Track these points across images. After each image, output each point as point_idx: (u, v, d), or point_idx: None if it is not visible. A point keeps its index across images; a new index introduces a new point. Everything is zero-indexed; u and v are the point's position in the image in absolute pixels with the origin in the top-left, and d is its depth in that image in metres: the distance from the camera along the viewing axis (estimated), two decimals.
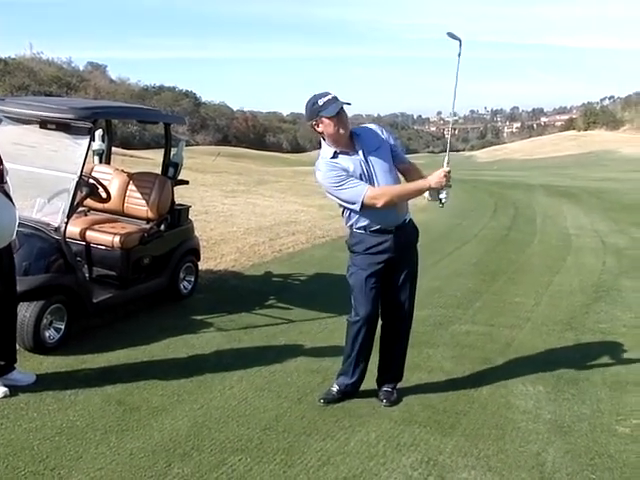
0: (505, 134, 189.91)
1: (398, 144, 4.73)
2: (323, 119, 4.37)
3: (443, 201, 4.47)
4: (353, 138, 4.50)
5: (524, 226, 14.90)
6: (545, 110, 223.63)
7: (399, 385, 4.95)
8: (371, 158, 4.48)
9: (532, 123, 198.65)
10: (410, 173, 4.68)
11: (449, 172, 4.43)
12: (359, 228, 4.57)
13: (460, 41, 4.62)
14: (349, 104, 4.39)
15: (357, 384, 4.86)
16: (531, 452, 4.19)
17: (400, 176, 4.69)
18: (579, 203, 20.55)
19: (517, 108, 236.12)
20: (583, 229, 14.62)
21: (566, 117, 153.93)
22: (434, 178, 4.41)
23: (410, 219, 4.71)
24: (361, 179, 4.44)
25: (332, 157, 4.48)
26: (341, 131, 4.40)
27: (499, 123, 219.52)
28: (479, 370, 5.60)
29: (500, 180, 32.51)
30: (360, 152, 4.47)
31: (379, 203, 4.37)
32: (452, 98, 4.71)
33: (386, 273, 4.61)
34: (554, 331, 6.76)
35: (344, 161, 4.46)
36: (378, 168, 4.48)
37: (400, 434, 4.37)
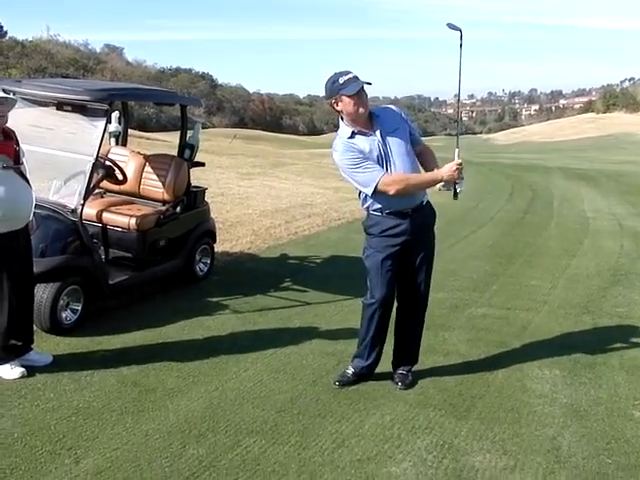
0: (523, 116, 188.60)
1: (414, 127, 4.68)
2: (343, 97, 4.32)
3: (458, 192, 4.54)
4: (372, 119, 4.46)
5: (541, 209, 14.80)
6: (564, 92, 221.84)
7: (414, 368, 4.94)
8: (389, 139, 4.44)
9: (551, 105, 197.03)
10: (425, 156, 4.66)
11: (461, 164, 4.41)
12: (375, 210, 4.55)
13: (461, 31, 4.62)
14: (370, 84, 4.35)
15: (372, 367, 4.86)
16: (547, 436, 4.17)
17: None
18: (597, 186, 20.36)
19: (535, 90, 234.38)
20: (600, 212, 14.49)
21: (585, 99, 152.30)
22: (446, 171, 4.39)
23: (428, 201, 4.68)
24: (378, 161, 4.41)
25: (349, 137, 4.44)
26: (360, 110, 4.35)
27: (517, 105, 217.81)
28: (495, 353, 5.58)
29: (517, 163, 32.27)
30: (378, 133, 4.43)
31: (392, 190, 4.35)
32: (458, 90, 4.76)
33: (402, 255, 4.58)
34: (571, 315, 6.71)
35: (361, 142, 4.42)
36: (395, 150, 4.44)
37: (415, 417, 4.36)
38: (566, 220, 13.26)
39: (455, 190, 4.51)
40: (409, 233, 4.52)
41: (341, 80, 4.31)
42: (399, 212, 4.50)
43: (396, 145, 4.45)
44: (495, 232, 11.57)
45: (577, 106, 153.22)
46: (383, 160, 4.42)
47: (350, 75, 4.32)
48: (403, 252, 4.58)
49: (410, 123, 4.64)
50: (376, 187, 4.36)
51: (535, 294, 7.45)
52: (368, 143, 4.42)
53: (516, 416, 4.42)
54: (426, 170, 4.61)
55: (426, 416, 4.38)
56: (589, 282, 8.07)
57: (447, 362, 5.35)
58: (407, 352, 4.91)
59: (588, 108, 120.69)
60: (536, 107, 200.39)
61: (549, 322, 6.45)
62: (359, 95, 4.31)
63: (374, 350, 4.80)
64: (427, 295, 4.83)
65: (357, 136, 4.43)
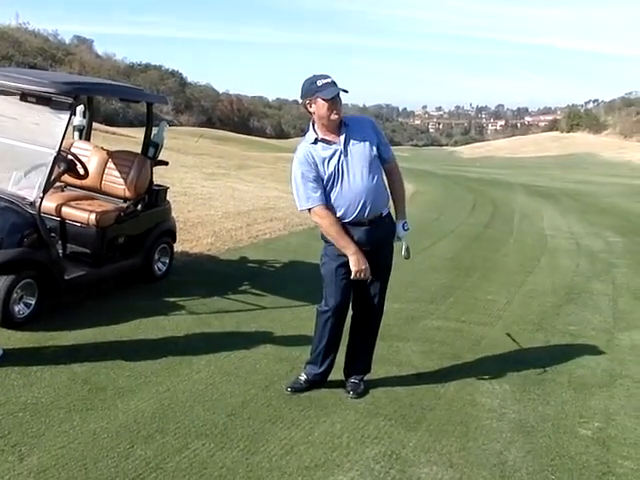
0: (489, 131, 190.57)
1: (386, 142, 4.65)
2: (318, 100, 4.32)
3: (403, 253, 4.73)
4: (341, 127, 4.45)
5: (501, 224, 14.99)
6: (530, 110, 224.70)
7: (366, 377, 4.97)
8: (352, 151, 4.43)
9: (516, 122, 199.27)
10: (392, 184, 4.70)
11: (362, 270, 4.46)
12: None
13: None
14: (346, 91, 4.35)
15: (325, 374, 4.87)
16: (493, 450, 4.22)
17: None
18: (557, 204, 20.70)
19: (502, 106, 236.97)
20: (559, 230, 14.73)
21: (550, 118, 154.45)
22: (353, 262, 4.45)
23: (388, 214, 4.69)
24: (333, 172, 4.41)
25: (312, 142, 4.45)
26: (333, 116, 4.36)
27: (483, 120, 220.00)
28: (447, 366, 5.63)
29: (481, 177, 32.68)
30: (342, 143, 4.42)
31: (317, 222, 4.59)
32: None
33: None
34: (524, 331, 6.81)
35: (322, 150, 4.43)
36: (355, 164, 4.43)
37: (365, 426, 4.39)
38: (525, 236, 13.45)
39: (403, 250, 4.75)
40: (364, 244, 4.52)
41: (319, 83, 4.32)
42: (355, 222, 4.51)
43: (357, 159, 4.44)
44: (455, 245, 11.69)
45: (542, 124, 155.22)
46: (339, 173, 4.42)
47: (329, 80, 4.33)
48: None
49: (382, 137, 4.61)
50: (308, 210, 4.50)
51: (490, 309, 7.55)
52: (329, 153, 4.43)
53: (464, 430, 4.47)
54: (393, 200, 4.71)
55: (376, 425, 4.41)
56: (544, 299, 8.20)
57: (400, 373, 5.38)
58: (360, 361, 4.92)
59: (553, 127, 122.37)
60: (502, 123, 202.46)
61: (503, 337, 6.53)
62: (334, 100, 4.32)
63: (327, 358, 4.82)
64: (382, 306, 4.84)
65: (320, 143, 4.44)
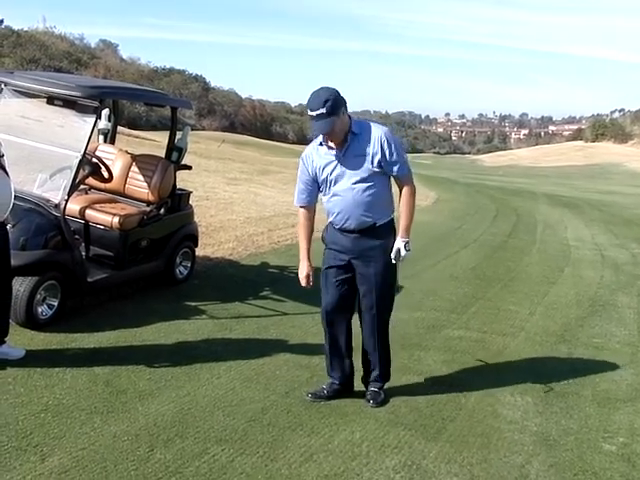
0: (512, 140, 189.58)
1: (396, 157, 4.41)
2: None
3: (393, 257, 4.55)
4: (348, 136, 4.40)
5: (524, 234, 14.87)
6: (554, 119, 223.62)
7: (387, 386, 4.93)
8: (348, 160, 4.41)
9: (540, 131, 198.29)
10: (401, 193, 4.58)
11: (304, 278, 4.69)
12: (330, 222, 4.67)
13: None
14: (331, 124, 4.27)
15: (342, 380, 4.84)
16: (515, 463, 4.17)
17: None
18: (581, 214, 20.50)
19: (526, 115, 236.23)
20: (583, 241, 14.58)
21: (575, 127, 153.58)
22: (299, 268, 4.71)
23: (386, 224, 4.57)
24: (326, 179, 4.50)
25: (319, 144, 4.51)
26: (330, 142, 4.43)
27: (507, 129, 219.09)
28: (469, 376, 5.59)
29: (504, 186, 32.47)
30: (342, 151, 4.41)
31: None
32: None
33: (353, 271, 4.62)
34: (547, 342, 6.74)
35: (322, 154, 4.48)
36: (349, 172, 4.42)
37: (385, 435, 4.36)
38: (548, 247, 13.33)
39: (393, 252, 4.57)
40: (350, 251, 4.55)
41: (309, 112, 4.31)
42: (344, 229, 4.55)
43: (351, 170, 4.42)
44: (477, 254, 11.61)
45: (566, 133, 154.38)
46: (333, 181, 4.49)
47: (315, 112, 4.24)
48: (350, 270, 4.61)
49: (391, 153, 4.38)
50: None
51: (513, 319, 7.48)
52: (327, 159, 4.47)
53: (485, 441, 4.42)
54: (399, 216, 4.60)
55: (396, 435, 4.38)
56: (567, 311, 8.11)
57: (420, 382, 5.35)
58: (372, 368, 4.86)
59: (577, 136, 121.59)
60: (526, 131, 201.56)
61: (525, 348, 6.47)
62: (326, 133, 4.35)
63: (335, 362, 4.81)
64: (382, 317, 4.72)
65: (324, 146, 4.47)
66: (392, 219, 4.61)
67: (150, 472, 3.63)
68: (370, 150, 4.38)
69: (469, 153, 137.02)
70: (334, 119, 4.26)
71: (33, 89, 5.93)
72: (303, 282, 4.71)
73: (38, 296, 5.42)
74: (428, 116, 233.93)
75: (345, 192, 4.46)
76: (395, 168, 4.44)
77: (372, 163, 4.38)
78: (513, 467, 4.12)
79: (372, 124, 4.51)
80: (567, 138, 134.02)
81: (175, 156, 7.18)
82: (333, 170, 4.46)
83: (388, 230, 4.58)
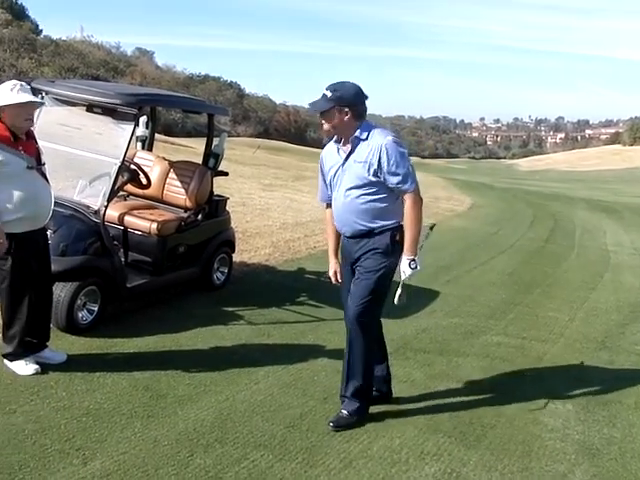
0: (548, 144, 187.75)
1: (394, 169, 4.20)
2: None
3: (396, 302, 4.40)
4: (353, 141, 4.31)
5: (562, 239, 14.69)
6: (591, 122, 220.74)
7: (423, 392, 4.87)
8: (349, 165, 4.34)
9: (576, 135, 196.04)
10: (404, 206, 4.33)
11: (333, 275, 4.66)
12: None
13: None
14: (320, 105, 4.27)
15: (377, 387, 4.75)
16: (557, 472, 4.11)
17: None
18: (620, 219, 20.20)
19: (562, 118, 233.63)
20: (622, 246, 14.37)
21: (612, 130, 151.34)
22: (330, 272, 4.68)
23: (383, 231, 4.34)
24: (331, 180, 4.48)
25: (336, 141, 4.46)
26: (324, 127, 4.36)
27: (543, 133, 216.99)
28: (508, 383, 5.53)
29: (540, 191, 32.12)
30: (347, 156, 4.34)
31: None
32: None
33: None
34: (588, 349, 6.65)
35: (334, 153, 4.45)
36: (347, 177, 4.34)
37: (424, 442, 4.32)
38: (587, 252, 13.16)
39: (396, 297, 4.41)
40: (347, 255, 4.53)
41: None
42: (343, 232, 4.53)
43: (349, 175, 4.34)
44: (514, 260, 11.49)
45: (603, 137, 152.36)
46: (334, 183, 4.46)
47: (325, 92, 4.25)
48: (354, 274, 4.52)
49: (390, 165, 4.19)
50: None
51: (552, 325, 7.39)
52: (334, 161, 4.45)
53: (527, 449, 4.37)
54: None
55: (435, 442, 4.34)
56: (608, 317, 7.99)
57: (459, 389, 5.30)
58: (347, 383, 4.58)
59: (615, 140, 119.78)
60: (562, 135, 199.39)
61: (565, 355, 6.39)
62: (321, 114, 4.31)
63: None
64: (358, 320, 4.39)
65: (338, 145, 4.42)
66: (395, 228, 4.35)
67: (190, 477, 3.65)
68: (368, 158, 4.22)
69: (504, 158, 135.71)
70: (333, 109, 4.21)
71: (74, 97, 6.02)
72: (332, 279, 4.67)
73: (79, 301, 5.49)
74: (463, 121, 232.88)
75: (339, 197, 4.42)
76: (394, 180, 4.22)
77: (368, 171, 4.23)
78: (555, 476, 4.06)
79: (378, 131, 4.31)
80: (604, 142, 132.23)
81: (212, 162, 7.22)
82: (335, 173, 4.42)
83: (388, 239, 4.34)
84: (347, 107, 4.22)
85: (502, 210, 19.14)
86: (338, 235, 4.62)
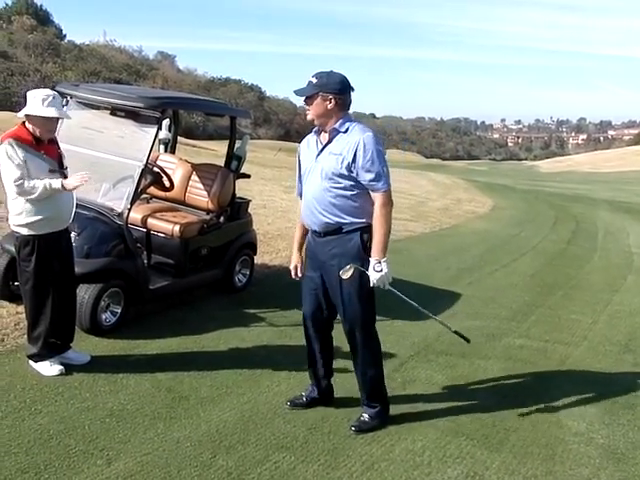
0: (570, 145, 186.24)
1: (369, 166, 4.10)
2: None
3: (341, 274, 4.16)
4: (332, 132, 4.22)
5: (584, 241, 14.57)
6: (613, 123, 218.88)
7: (447, 396, 4.85)
8: (323, 157, 4.25)
9: (599, 136, 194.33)
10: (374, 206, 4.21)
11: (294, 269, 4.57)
12: None
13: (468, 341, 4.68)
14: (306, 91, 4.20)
15: (320, 391, 4.70)
16: (581, 476, 4.08)
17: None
18: None
19: (584, 119, 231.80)
20: None
21: (635, 131, 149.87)
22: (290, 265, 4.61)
23: (352, 230, 4.23)
24: (304, 170, 4.41)
25: (315, 131, 4.38)
26: (308, 116, 4.30)
27: (564, 134, 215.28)
28: (531, 386, 5.50)
29: (562, 192, 31.84)
30: (323, 147, 4.27)
31: None
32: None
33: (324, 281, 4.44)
34: (611, 352, 6.59)
35: (313, 144, 4.38)
36: (319, 169, 4.24)
37: (446, 445, 4.31)
38: (610, 254, 13.04)
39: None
40: (312, 257, 4.43)
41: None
42: (311, 230, 4.42)
43: (321, 167, 4.23)
44: (536, 262, 11.41)
45: (627, 137, 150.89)
46: (306, 174, 4.38)
47: (310, 79, 4.20)
48: (323, 278, 4.42)
49: (366, 161, 4.10)
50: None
51: (575, 328, 7.33)
52: (310, 152, 4.38)
53: (550, 452, 4.34)
54: None
55: (457, 445, 4.33)
56: (632, 320, 7.91)
57: (481, 391, 5.28)
58: (360, 392, 4.58)
59: (638, 140, 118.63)
60: (584, 137, 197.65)
61: (588, 358, 6.34)
62: (305, 100, 4.25)
63: (311, 370, 4.69)
64: (360, 333, 4.39)
65: (315, 136, 4.38)
66: (365, 228, 4.21)
67: (213, 478, 3.68)
68: (344, 152, 4.13)
69: (525, 159, 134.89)
70: (317, 95, 4.15)
71: (98, 101, 6.07)
72: (292, 273, 4.61)
73: (102, 303, 5.54)
74: (484, 122, 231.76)
75: (308, 187, 4.32)
76: (367, 177, 4.12)
77: (341, 164, 4.13)
78: None
79: (359, 127, 4.22)
80: (627, 143, 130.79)
81: (234, 165, 7.25)
82: (309, 164, 4.34)
83: (357, 242, 4.22)
84: (331, 94, 4.15)
85: (524, 212, 19.02)
86: (305, 231, 4.52)
